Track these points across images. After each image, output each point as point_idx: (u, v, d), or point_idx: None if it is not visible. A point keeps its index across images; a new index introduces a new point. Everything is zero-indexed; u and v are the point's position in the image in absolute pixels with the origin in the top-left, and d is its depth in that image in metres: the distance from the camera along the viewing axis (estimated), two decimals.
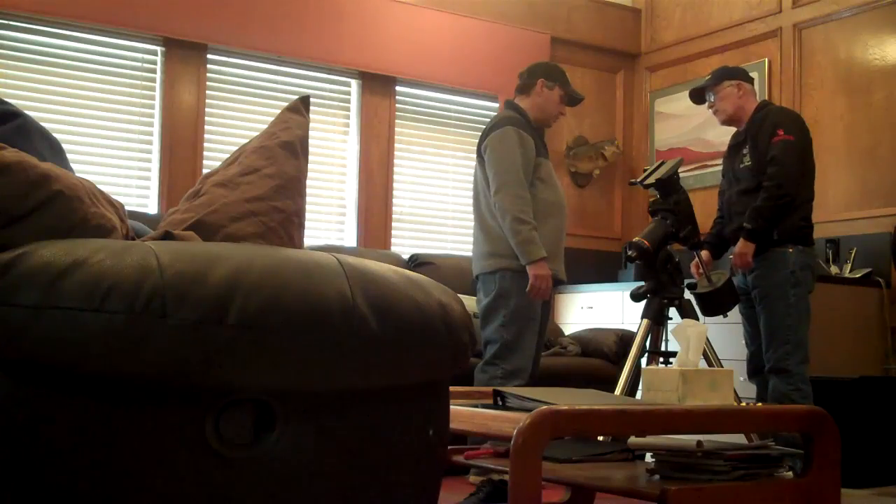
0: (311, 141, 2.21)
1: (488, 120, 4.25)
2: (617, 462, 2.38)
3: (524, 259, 3.73)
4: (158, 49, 4.95)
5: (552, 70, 4.09)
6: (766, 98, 5.55)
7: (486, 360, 3.82)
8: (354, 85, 5.52)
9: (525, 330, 3.81)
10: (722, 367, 3.52)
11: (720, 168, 5.78)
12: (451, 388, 1.85)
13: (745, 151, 3.98)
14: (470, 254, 4.08)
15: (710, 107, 4.11)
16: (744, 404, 2.61)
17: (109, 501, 1.34)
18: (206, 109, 5.06)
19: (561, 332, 5.27)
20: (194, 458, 1.38)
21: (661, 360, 3.62)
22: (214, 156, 5.05)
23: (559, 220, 3.95)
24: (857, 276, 4.86)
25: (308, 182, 1.94)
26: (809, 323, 3.87)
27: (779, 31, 5.54)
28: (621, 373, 3.58)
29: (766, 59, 5.57)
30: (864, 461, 4.07)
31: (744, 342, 4.09)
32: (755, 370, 3.97)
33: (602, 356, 4.80)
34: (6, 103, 1.77)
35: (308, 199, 2.48)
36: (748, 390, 4.64)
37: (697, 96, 4.16)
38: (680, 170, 3.81)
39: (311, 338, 1.43)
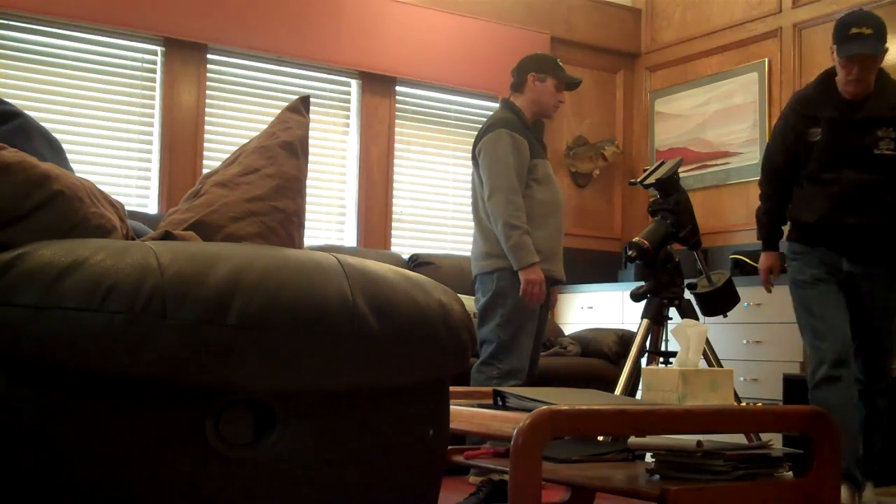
0: (311, 141, 2.21)
1: None
2: (617, 462, 2.38)
3: (516, 265, 3.74)
4: (158, 49, 4.95)
5: (540, 61, 4.06)
6: (767, 98, 5.56)
7: (483, 360, 3.82)
8: (354, 85, 5.52)
9: (522, 330, 3.81)
10: (722, 367, 3.52)
11: (720, 168, 5.82)
12: (451, 388, 1.85)
13: (882, 133, 3.39)
14: (469, 254, 4.08)
15: (855, 73, 3.34)
16: (744, 404, 2.61)
17: (109, 501, 1.34)
18: (206, 109, 5.06)
19: (561, 332, 5.27)
20: (194, 458, 1.38)
21: (661, 360, 3.62)
22: (214, 156, 5.05)
23: (557, 221, 3.94)
24: None
25: (308, 182, 1.94)
26: None
27: (779, 31, 5.54)
28: (621, 373, 3.58)
29: (766, 59, 5.57)
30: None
31: (812, 332, 3.47)
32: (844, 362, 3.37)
33: (602, 356, 4.80)
34: (6, 103, 1.77)
35: (308, 199, 2.48)
36: (748, 390, 4.64)
37: (861, 48, 3.30)
38: (680, 170, 3.80)
39: (311, 338, 1.43)
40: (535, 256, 3.74)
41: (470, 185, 4.07)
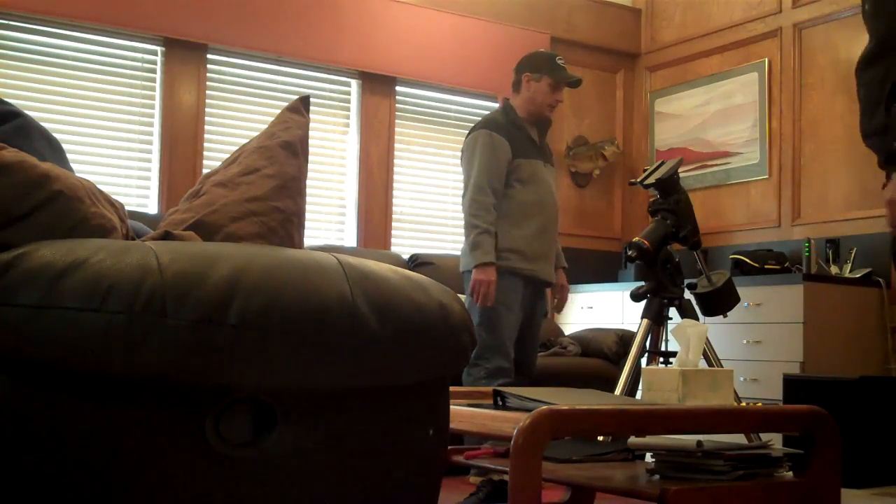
0: (311, 141, 2.21)
1: None
2: (617, 462, 2.38)
3: (470, 263, 3.78)
4: (158, 49, 4.95)
5: (535, 60, 4.05)
6: (767, 98, 5.56)
7: (470, 363, 3.83)
8: (354, 85, 5.52)
9: (501, 328, 3.83)
10: (722, 367, 3.52)
11: (720, 168, 5.82)
12: (451, 388, 1.85)
13: None
14: None
15: None
16: (744, 404, 2.61)
17: (109, 501, 1.34)
18: (206, 109, 5.06)
19: (561, 332, 5.27)
20: (194, 458, 1.38)
21: (661, 360, 3.61)
22: (214, 156, 5.05)
23: (541, 221, 3.93)
24: (857, 276, 4.86)
25: (308, 182, 1.94)
26: None
27: (779, 31, 5.54)
28: (621, 373, 3.58)
29: (766, 59, 5.57)
30: (864, 461, 4.07)
31: None
32: None
33: (602, 356, 4.80)
34: (6, 103, 1.77)
35: (308, 199, 2.48)
36: (748, 390, 4.64)
37: None
38: (680, 170, 3.80)
39: (311, 338, 1.43)
40: (488, 256, 3.76)
41: None
